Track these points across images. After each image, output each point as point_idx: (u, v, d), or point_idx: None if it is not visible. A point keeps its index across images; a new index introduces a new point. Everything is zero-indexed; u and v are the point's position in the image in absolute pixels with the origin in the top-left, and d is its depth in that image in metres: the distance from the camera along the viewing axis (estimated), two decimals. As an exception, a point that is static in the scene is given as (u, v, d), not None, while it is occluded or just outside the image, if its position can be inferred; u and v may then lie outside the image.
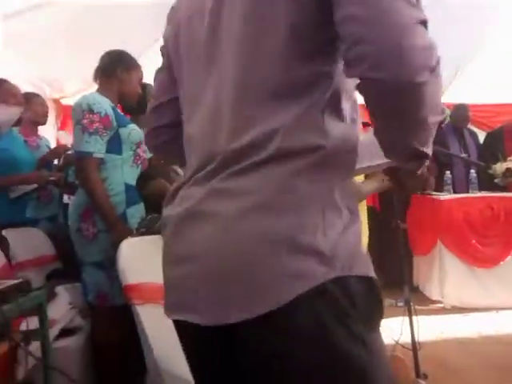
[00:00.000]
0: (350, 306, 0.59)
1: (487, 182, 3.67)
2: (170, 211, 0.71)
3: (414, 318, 1.82)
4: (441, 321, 2.94)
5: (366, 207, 1.46)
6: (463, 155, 3.61)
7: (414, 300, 3.22)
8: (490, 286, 3.21)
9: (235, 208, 0.60)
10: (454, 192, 3.46)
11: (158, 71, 0.84)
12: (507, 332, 2.69)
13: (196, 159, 0.69)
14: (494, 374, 2.12)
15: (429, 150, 0.62)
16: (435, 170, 3.86)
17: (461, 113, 3.96)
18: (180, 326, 0.70)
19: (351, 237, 0.62)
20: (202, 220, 0.63)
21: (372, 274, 0.63)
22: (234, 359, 0.64)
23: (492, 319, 2.96)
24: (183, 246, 0.66)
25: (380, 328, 0.63)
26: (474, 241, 3.20)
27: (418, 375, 1.75)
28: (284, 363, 0.58)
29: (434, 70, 0.53)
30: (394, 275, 2.24)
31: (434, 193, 3.54)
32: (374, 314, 0.62)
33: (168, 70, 0.80)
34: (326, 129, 0.61)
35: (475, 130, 4.31)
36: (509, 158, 3.57)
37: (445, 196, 3.36)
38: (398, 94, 0.54)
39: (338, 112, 0.63)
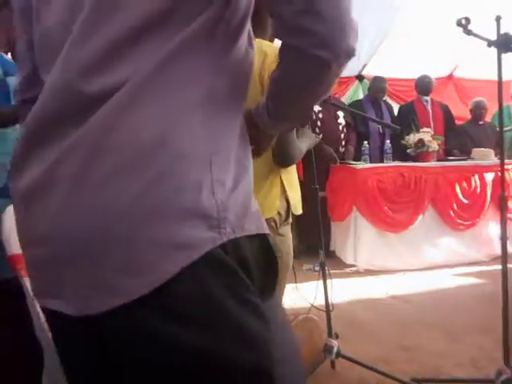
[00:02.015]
0: (242, 272, 0.53)
1: (401, 152, 3.89)
2: (17, 182, 0.58)
3: (329, 281, 1.88)
4: (354, 283, 3.11)
5: (295, 167, 1.43)
6: (381, 120, 3.78)
7: (331, 264, 3.38)
8: (399, 249, 3.44)
9: (94, 172, 0.49)
10: (370, 161, 3.61)
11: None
12: (412, 291, 2.92)
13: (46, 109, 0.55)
14: (397, 329, 2.28)
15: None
16: (354, 140, 4.02)
17: (378, 84, 4.14)
18: (48, 315, 0.60)
19: (242, 192, 0.55)
20: (52, 191, 0.52)
21: (264, 229, 0.58)
22: (107, 353, 0.55)
23: (399, 280, 3.19)
24: (37, 225, 0.54)
25: (277, 291, 0.59)
26: (385, 207, 3.38)
27: (330, 335, 1.82)
28: (169, 350, 0.50)
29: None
30: (315, 241, 2.30)
31: (352, 162, 3.68)
32: (270, 276, 0.58)
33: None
34: (209, 63, 0.53)
35: (391, 102, 4.55)
36: (421, 130, 3.80)
37: (361, 165, 3.49)
38: (329, 71, 0.55)
39: (232, 41, 0.56)
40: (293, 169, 1.39)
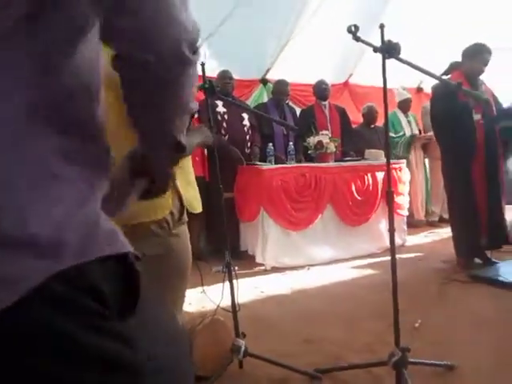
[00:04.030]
0: (92, 300, 0.46)
1: (303, 153, 4.09)
2: None
3: (237, 281, 1.87)
4: (261, 281, 3.18)
5: (191, 163, 1.39)
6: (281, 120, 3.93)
7: (242, 264, 3.44)
8: (302, 246, 3.60)
9: None
10: (275, 162, 3.72)
11: None
12: (314, 286, 3.06)
13: None
14: (302, 323, 2.37)
15: (184, 140, 0.60)
16: (259, 141, 4.11)
17: (281, 87, 4.30)
18: None
19: (87, 211, 0.49)
20: None
21: (123, 248, 0.51)
22: None
23: (303, 276, 3.34)
24: None
25: (144, 306, 0.54)
26: (289, 206, 3.51)
27: (237, 335, 1.82)
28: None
29: (195, 53, 0.53)
30: (223, 242, 2.28)
31: (258, 163, 3.76)
32: (129, 295, 0.52)
33: None
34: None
35: (293, 106, 4.75)
36: (320, 132, 4.02)
37: (266, 166, 3.58)
38: (158, 75, 0.52)
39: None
40: (187, 165, 1.35)
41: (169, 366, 0.56)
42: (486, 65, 3.16)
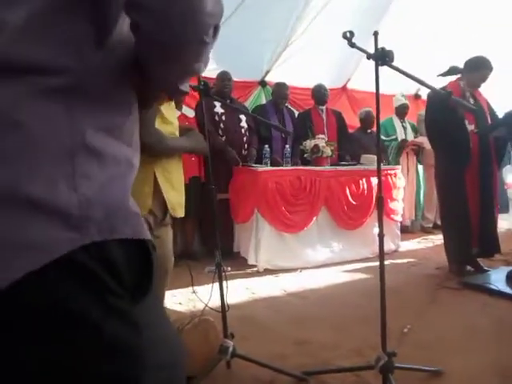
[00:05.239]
0: (109, 276, 0.48)
1: (300, 157, 4.09)
2: None
3: (226, 281, 1.87)
4: (253, 283, 3.18)
5: (181, 168, 1.39)
6: (276, 124, 3.93)
7: (235, 265, 3.45)
8: (295, 249, 3.60)
9: None
10: (271, 164, 3.73)
11: None
12: (306, 288, 3.07)
13: None
14: (292, 325, 2.38)
15: (186, 87, 0.61)
16: (257, 143, 4.12)
17: (280, 90, 4.31)
18: None
19: (116, 190, 0.50)
20: None
21: (142, 235, 0.53)
22: None
23: (295, 278, 3.34)
24: None
25: (155, 295, 0.56)
26: (283, 209, 3.52)
27: (225, 335, 1.82)
28: (16, 368, 0.43)
29: (215, 32, 0.54)
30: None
31: (254, 165, 3.77)
32: (143, 279, 0.54)
33: None
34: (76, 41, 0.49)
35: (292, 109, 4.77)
36: (317, 136, 4.03)
37: (262, 168, 3.58)
38: (181, 50, 0.53)
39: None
40: (175, 169, 1.34)
41: (170, 363, 0.57)
42: (483, 81, 3.17)
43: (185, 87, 0.61)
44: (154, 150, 1.17)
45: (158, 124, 1.20)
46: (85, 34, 0.50)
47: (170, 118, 1.31)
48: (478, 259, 3.27)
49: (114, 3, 0.51)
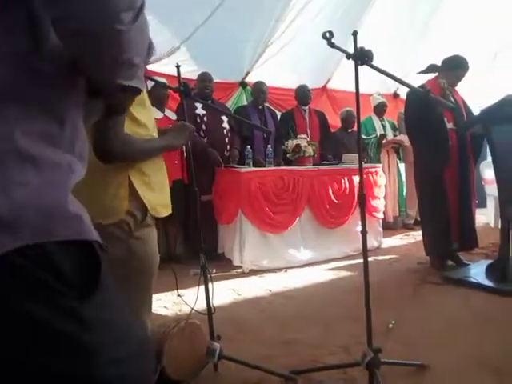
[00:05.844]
0: (51, 277, 0.49)
1: (282, 157, 4.10)
2: None
3: (211, 283, 1.86)
4: (238, 284, 3.17)
5: (159, 167, 1.36)
6: (256, 124, 3.94)
7: (220, 267, 3.44)
8: (279, 248, 3.61)
9: None
10: (254, 165, 3.73)
11: None
12: (291, 288, 3.08)
13: None
14: (278, 325, 2.38)
15: (135, 83, 0.60)
16: (239, 144, 4.11)
17: (258, 86, 4.30)
18: None
19: (54, 194, 0.51)
20: None
21: (85, 235, 0.54)
22: None
23: (280, 278, 3.35)
24: None
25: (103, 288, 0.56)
26: (267, 209, 3.52)
27: (212, 337, 1.81)
28: None
29: (135, 17, 0.53)
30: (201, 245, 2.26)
31: (237, 166, 3.76)
32: (91, 281, 0.54)
33: None
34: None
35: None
36: (298, 136, 4.05)
37: (244, 168, 3.58)
38: (99, 40, 0.53)
39: None
40: (153, 171, 1.32)
41: (129, 358, 0.57)
42: (459, 80, 3.25)
43: (135, 83, 0.60)
44: (117, 156, 1.14)
45: (126, 126, 1.16)
46: (21, 42, 0.51)
47: (144, 120, 1.27)
48: (459, 253, 3.34)
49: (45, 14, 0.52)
